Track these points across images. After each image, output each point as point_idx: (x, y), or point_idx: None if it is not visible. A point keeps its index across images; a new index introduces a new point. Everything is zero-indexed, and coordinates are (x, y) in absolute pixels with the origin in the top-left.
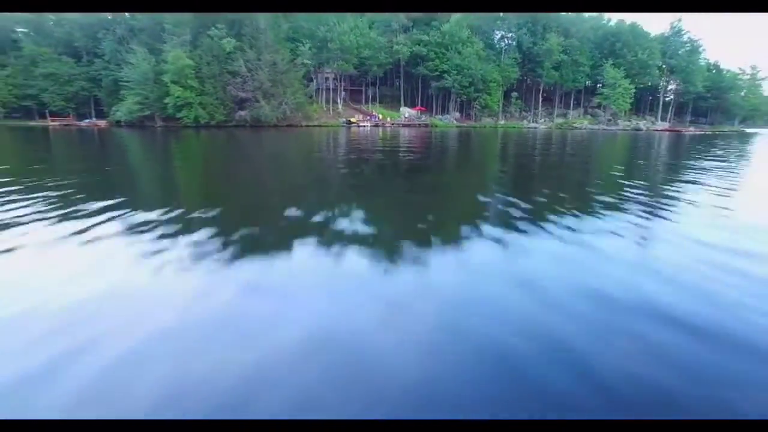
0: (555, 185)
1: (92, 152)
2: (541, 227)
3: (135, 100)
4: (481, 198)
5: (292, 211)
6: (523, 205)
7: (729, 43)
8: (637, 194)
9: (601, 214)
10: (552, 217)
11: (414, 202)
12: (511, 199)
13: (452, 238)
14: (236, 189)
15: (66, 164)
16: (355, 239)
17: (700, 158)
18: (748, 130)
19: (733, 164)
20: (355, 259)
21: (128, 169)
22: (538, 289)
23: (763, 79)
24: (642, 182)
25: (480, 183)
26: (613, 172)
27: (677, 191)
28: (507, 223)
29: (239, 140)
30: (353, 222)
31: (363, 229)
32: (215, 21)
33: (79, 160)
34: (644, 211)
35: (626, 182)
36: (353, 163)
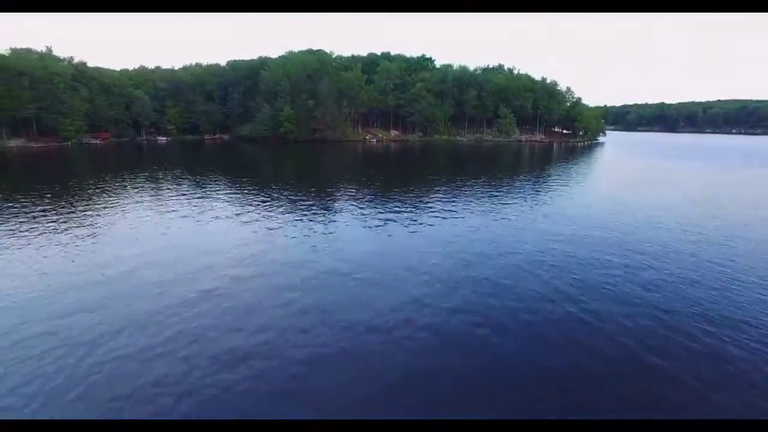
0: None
1: (281, 158)
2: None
3: (262, 128)
4: (412, 167)
5: (362, 165)
6: (429, 171)
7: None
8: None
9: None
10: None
11: (395, 169)
12: (428, 166)
13: (403, 172)
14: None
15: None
16: (377, 172)
17: (534, 154)
18: (600, 138)
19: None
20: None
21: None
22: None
23: (593, 110)
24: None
25: (414, 163)
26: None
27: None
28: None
29: (320, 148)
30: (378, 169)
31: (378, 170)
32: (303, 91)
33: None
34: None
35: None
36: (373, 156)
